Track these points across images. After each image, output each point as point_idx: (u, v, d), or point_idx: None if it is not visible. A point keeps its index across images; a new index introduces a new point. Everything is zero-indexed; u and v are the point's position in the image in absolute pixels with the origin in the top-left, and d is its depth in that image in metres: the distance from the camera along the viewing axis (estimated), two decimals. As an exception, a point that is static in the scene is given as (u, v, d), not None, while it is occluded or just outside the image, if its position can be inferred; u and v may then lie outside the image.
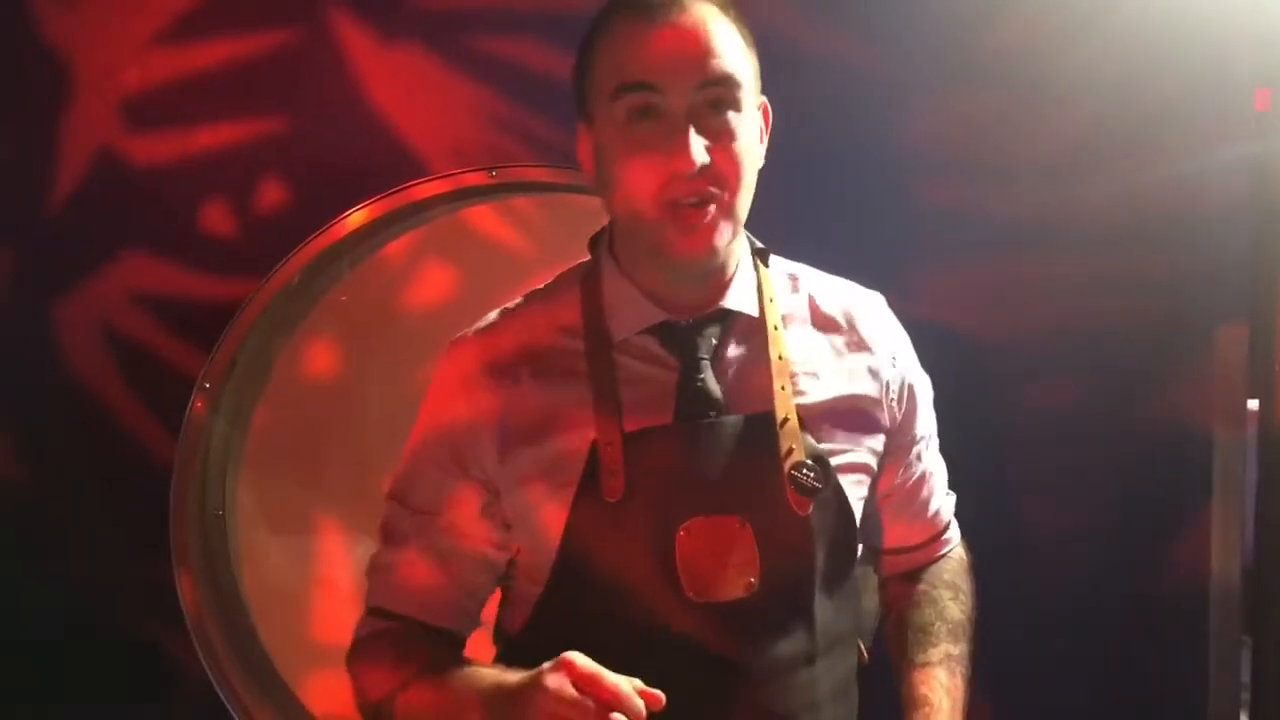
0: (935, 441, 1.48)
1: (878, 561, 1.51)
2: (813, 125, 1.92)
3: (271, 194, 2.11)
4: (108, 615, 2.20)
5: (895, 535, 1.48)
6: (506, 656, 1.38)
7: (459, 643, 1.38)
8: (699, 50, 1.19)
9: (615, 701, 1.08)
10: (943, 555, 1.50)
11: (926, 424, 1.44)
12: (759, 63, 1.27)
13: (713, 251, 1.23)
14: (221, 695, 2.11)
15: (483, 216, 2.15)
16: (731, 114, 1.21)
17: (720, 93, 1.20)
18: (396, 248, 2.18)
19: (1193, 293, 1.96)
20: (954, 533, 1.53)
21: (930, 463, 1.47)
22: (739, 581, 1.25)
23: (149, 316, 2.16)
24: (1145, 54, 1.93)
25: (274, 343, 2.20)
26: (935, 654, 1.37)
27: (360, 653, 1.35)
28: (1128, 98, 1.94)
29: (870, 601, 1.78)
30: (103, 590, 2.20)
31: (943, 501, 1.50)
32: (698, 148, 1.18)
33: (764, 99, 1.29)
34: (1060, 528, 2.01)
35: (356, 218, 2.04)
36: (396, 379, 2.09)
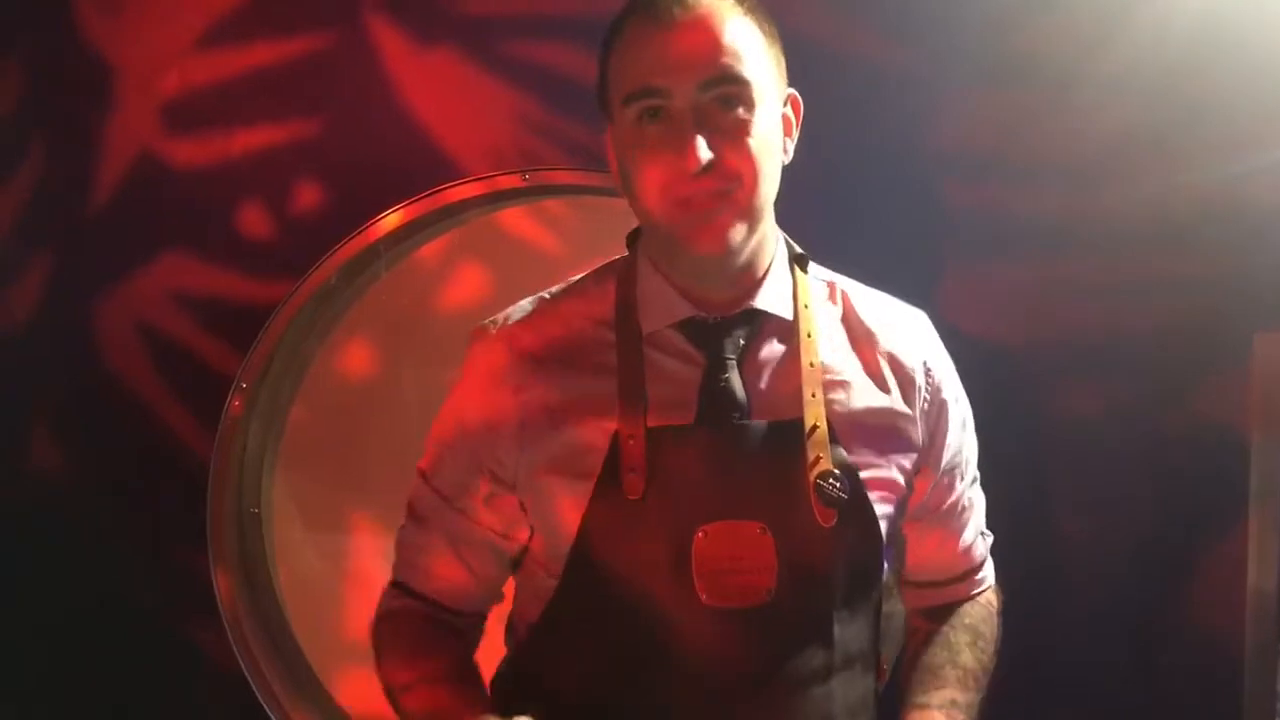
0: (973, 474, 1.42)
1: (903, 593, 1.48)
2: (844, 126, 1.92)
3: (308, 196, 2.14)
4: (145, 610, 2.23)
5: (920, 566, 1.43)
6: (517, 656, 1.39)
7: (478, 621, 1.40)
8: (704, 49, 1.18)
9: None
10: (971, 597, 1.45)
11: (961, 450, 1.39)
12: (785, 55, 1.25)
13: (729, 247, 1.22)
14: (256, 690, 2.13)
15: (516, 218, 2.17)
16: (742, 110, 1.19)
17: (728, 90, 1.18)
18: (431, 249, 2.20)
19: (1230, 298, 1.94)
20: (986, 574, 1.47)
21: (964, 494, 1.41)
22: (756, 589, 1.22)
23: (188, 316, 2.18)
24: (1181, 55, 1.91)
25: (310, 343, 2.22)
26: (938, 697, 1.31)
27: (382, 628, 1.37)
28: (1164, 99, 1.92)
29: (899, 624, 1.77)
30: (141, 586, 2.23)
31: (975, 540, 1.44)
32: (701, 146, 1.16)
33: (793, 91, 1.28)
34: (1094, 534, 1.99)
35: (392, 219, 2.06)
36: (430, 378, 2.11)
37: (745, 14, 1.22)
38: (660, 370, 1.27)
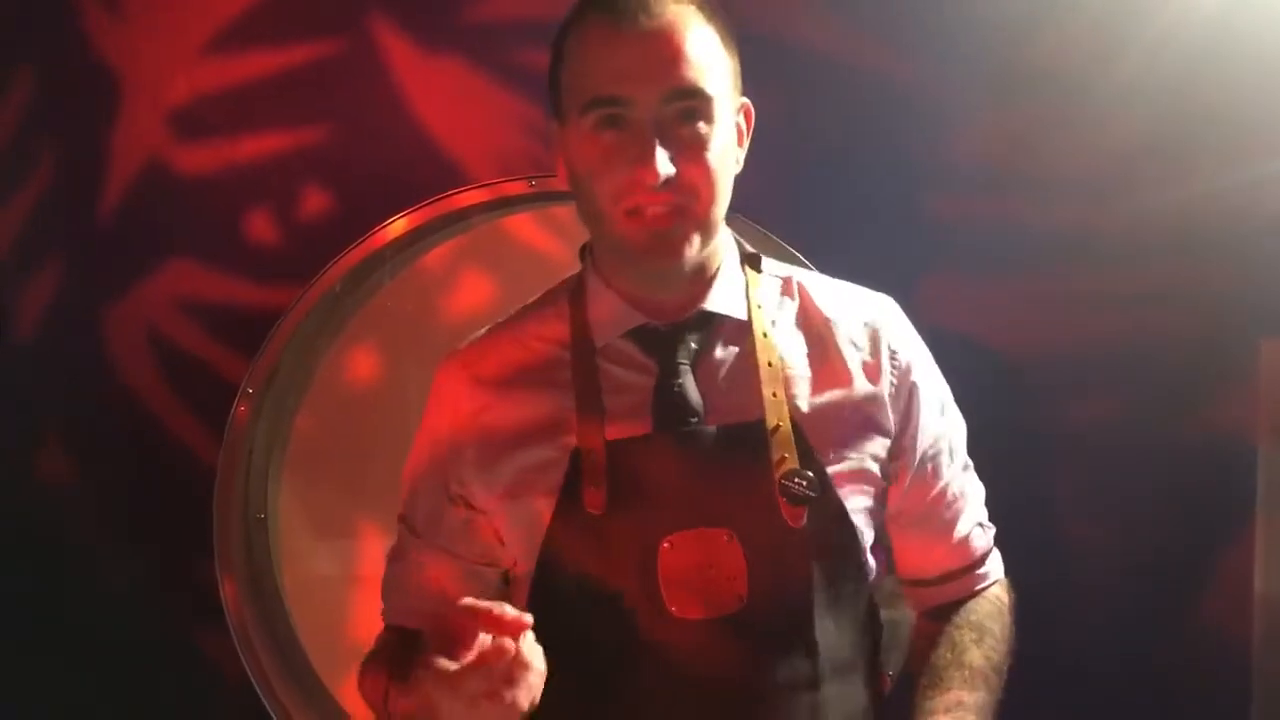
0: (961, 461, 1.39)
1: (908, 595, 1.45)
2: (853, 139, 1.92)
3: (314, 202, 2.14)
4: (151, 616, 2.23)
5: (916, 563, 1.40)
6: None
7: None
8: (669, 60, 1.16)
9: (494, 627, 1.01)
10: (976, 593, 1.40)
11: (940, 435, 1.35)
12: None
13: (679, 257, 1.21)
14: (262, 696, 2.13)
15: (522, 225, 2.17)
16: (702, 124, 1.18)
17: (690, 105, 1.17)
18: (437, 256, 2.20)
19: (1237, 305, 1.94)
20: (990, 568, 1.42)
21: (951, 483, 1.37)
22: (726, 597, 1.20)
23: (194, 323, 2.19)
24: (1187, 65, 1.91)
25: (316, 349, 2.22)
26: (943, 701, 1.27)
27: (366, 667, 1.37)
28: (1171, 110, 1.92)
29: (905, 632, 1.75)
30: (147, 591, 2.23)
31: (972, 531, 1.39)
32: (663, 160, 1.15)
33: (746, 100, 1.27)
34: (1102, 543, 1.98)
35: (398, 226, 2.06)
36: (436, 386, 2.11)
37: (707, 22, 1.20)
38: (616, 382, 1.26)
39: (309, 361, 2.22)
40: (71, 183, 2.23)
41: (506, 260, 2.17)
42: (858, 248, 1.92)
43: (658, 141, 1.16)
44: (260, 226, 2.16)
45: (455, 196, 2.05)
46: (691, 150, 1.18)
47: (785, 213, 1.80)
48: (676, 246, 1.20)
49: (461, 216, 2.11)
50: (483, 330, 1.36)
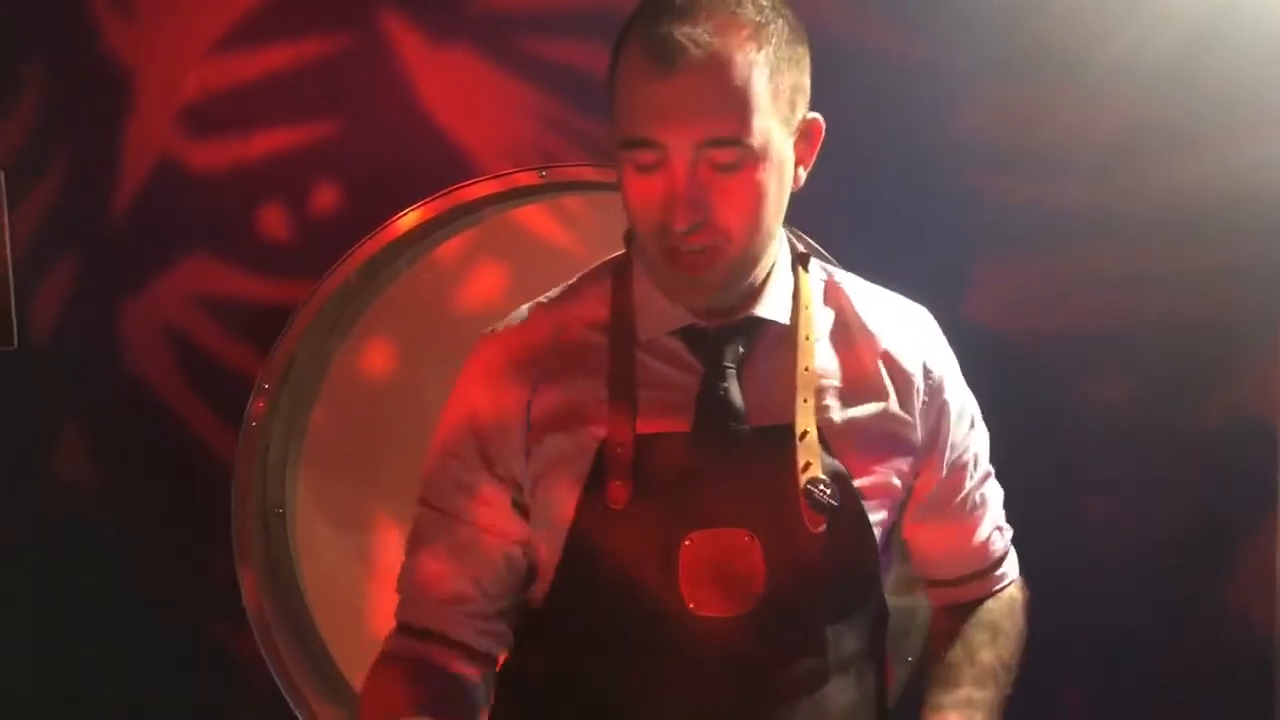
0: (984, 471, 1.40)
1: (928, 590, 1.46)
2: (859, 118, 1.91)
3: (327, 196, 2.14)
4: (172, 611, 2.25)
5: (936, 563, 1.42)
6: (514, 656, 1.36)
7: (484, 667, 1.31)
8: (705, 105, 1.11)
9: None
10: (992, 593, 1.42)
11: (967, 448, 1.36)
12: (807, 76, 1.19)
13: (716, 295, 1.21)
14: (282, 689, 2.14)
15: (534, 216, 2.17)
16: (740, 169, 1.13)
17: (726, 152, 1.13)
18: (449, 248, 2.20)
19: (1255, 284, 1.92)
20: (1007, 569, 1.44)
21: (974, 491, 1.38)
22: (743, 596, 1.20)
23: (209, 318, 2.20)
24: (1201, 42, 1.89)
25: (330, 343, 2.22)
26: (954, 698, 1.29)
27: (375, 671, 1.30)
28: (1187, 86, 1.91)
29: (922, 619, 1.74)
30: (167, 586, 2.25)
31: (991, 535, 1.42)
32: (692, 209, 1.13)
33: (814, 117, 1.22)
34: (1119, 525, 1.98)
35: (409, 219, 2.07)
36: (450, 377, 2.10)
37: (760, 48, 1.13)
38: (655, 377, 1.25)
39: (324, 356, 2.23)
40: (85, 181, 2.24)
41: (519, 251, 2.17)
42: (861, 228, 1.92)
43: (688, 188, 1.13)
44: (273, 221, 2.16)
45: (467, 189, 2.05)
46: (726, 195, 1.15)
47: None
48: (710, 287, 1.20)
49: (473, 209, 2.11)
50: (524, 308, 1.33)
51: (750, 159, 1.14)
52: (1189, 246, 1.93)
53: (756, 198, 1.16)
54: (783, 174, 1.19)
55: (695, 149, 1.12)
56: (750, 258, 1.21)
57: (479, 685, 1.30)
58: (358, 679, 2.20)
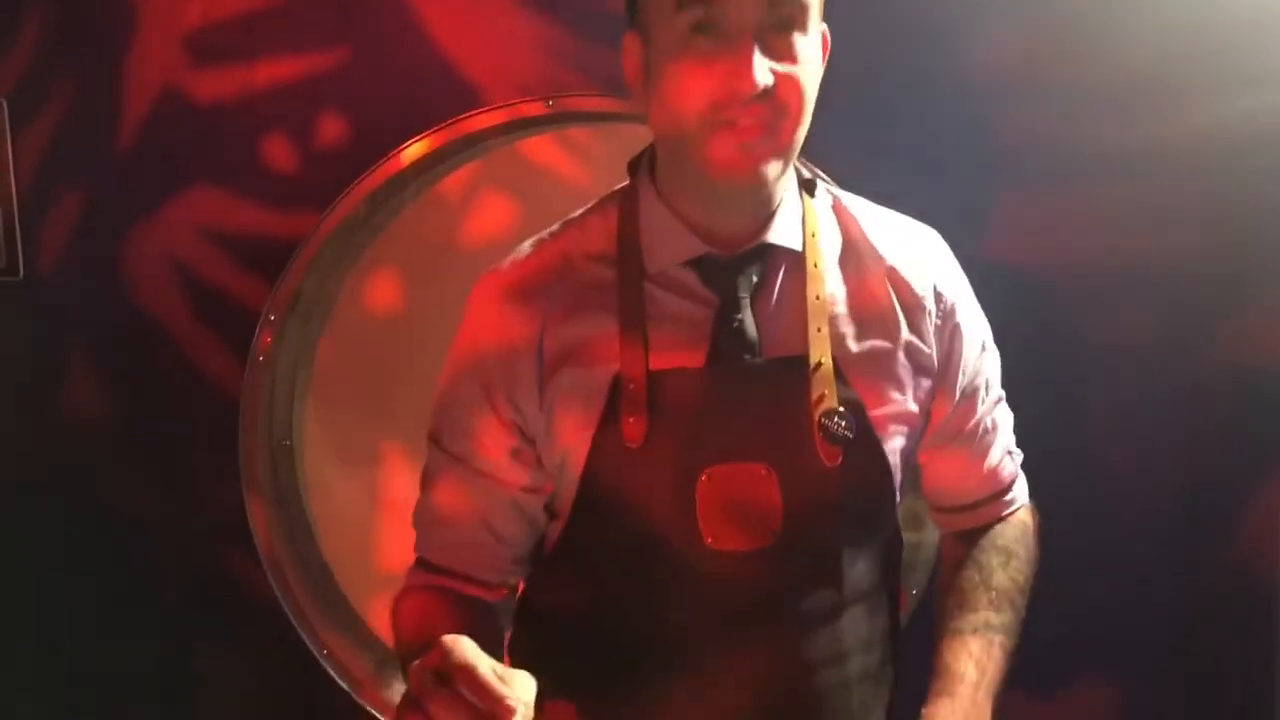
0: (996, 395, 1.38)
1: (934, 518, 1.46)
2: (876, 54, 1.89)
3: (332, 127, 2.13)
4: (182, 541, 2.27)
5: (947, 490, 1.40)
6: (529, 590, 1.36)
7: (506, 594, 1.33)
8: None
9: (484, 700, 0.95)
10: (1003, 517, 1.41)
11: (979, 372, 1.34)
12: None
13: (759, 180, 1.16)
14: (292, 618, 2.17)
15: (540, 147, 2.15)
16: (798, 35, 1.13)
17: (790, 12, 1.11)
18: (455, 179, 2.19)
19: (1268, 224, 1.91)
20: (1017, 493, 1.42)
21: (986, 415, 1.36)
22: (761, 531, 1.20)
23: (216, 250, 2.19)
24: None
25: (337, 275, 2.22)
26: (971, 621, 1.29)
27: (399, 604, 1.31)
28: (1206, 25, 1.88)
29: (927, 555, 1.74)
30: (176, 517, 2.26)
31: (1002, 460, 1.40)
32: (762, 68, 1.10)
33: (824, 26, 1.20)
34: (1129, 464, 1.98)
35: (415, 150, 2.05)
36: (457, 309, 2.10)
37: None
38: (667, 311, 1.22)
39: (330, 287, 2.23)
40: (88, 111, 2.22)
41: (524, 182, 2.16)
42: (876, 163, 1.90)
43: (757, 49, 1.10)
44: (278, 152, 2.15)
45: (472, 119, 2.03)
46: (786, 63, 1.12)
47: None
48: (756, 165, 1.15)
49: (479, 139, 2.09)
50: (525, 245, 1.30)
51: (806, 24, 1.13)
52: (1204, 185, 1.92)
53: (809, 72, 1.14)
54: (819, 59, 1.17)
55: (762, 7, 1.10)
56: (793, 147, 1.17)
57: (500, 607, 1.33)
58: (364, 607, 2.26)
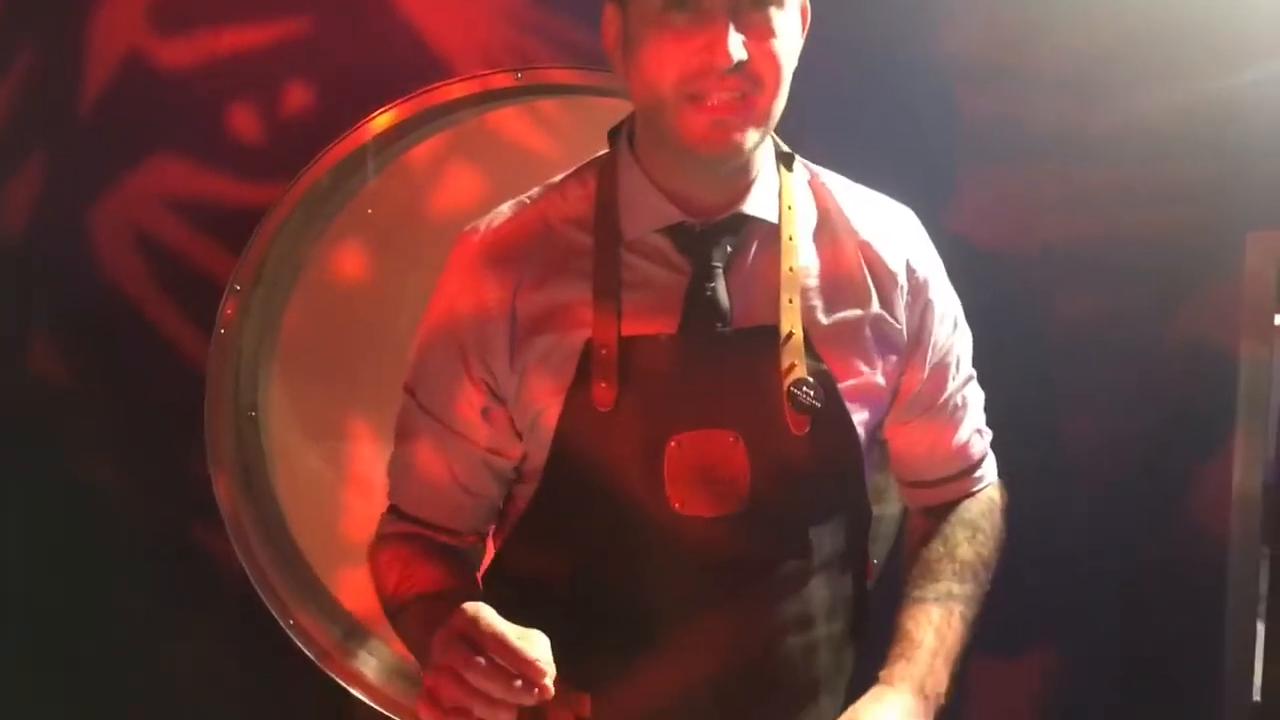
0: (966, 373, 1.41)
1: (902, 492, 1.48)
2: (844, 33, 1.89)
3: (298, 97, 2.11)
4: (147, 512, 2.26)
5: (916, 465, 1.42)
6: (501, 554, 1.39)
7: (478, 541, 1.38)
8: None
9: (515, 664, 0.99)
10: (971, 494, 1.43)
11: (950, 349, 1.37)
12: None
13: (737, 150, 1.18)
14: (258, 589, 2.17)
15: (509, 119, 2.14)
16: (774, 10, 1.14)
17: None
18: (423, 151, 2.18)
19: (1224, 201, 1.94)
20: (985, 471, 1.45)
21: (956, 392, 1.39)
22: (728, 497, 1.22)
23: (180, 220, 2.17)
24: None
25: (303, 245, 2.21)
26: (934, 590, 1.31)
27: (377, 552, 1.35)
28: (1160, 9, 1.90)
29: (889, 527, 1.76)
30: (141, 488, 2.25)
31: (971, 438, 1.42)
32: (736, 43, 1.12)
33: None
34: (1085, 436, 2.02)
35: (382, 120, 2.04)
36: (423, 281, 2.09)
37: None
38: (641, 277, 1.24)
39: (296, 258, 2.21)
40: (51, 78, 2.19)
41: (492, 154, 2.15)
42: (845, 142, 1.91)
43: (731, 24, 1.12)
44: (244, 121, 2.13)
45: (441, 90, 2.02)
46: (761, 37, 1.14)
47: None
48: (735, 137, 1.16)
49: (447, 110, 2.08)
50: (505, 207, 1.31)
51: (781, 0, 1.15)
52: (1163, 164, 1.94)
53: (785, 46, 1.16)
54: (797, 32, 1.19)
55: None
56: (770, 118, 1.19)
57: (471, 552, 1.38)
58: (330, 578, 2.26)
